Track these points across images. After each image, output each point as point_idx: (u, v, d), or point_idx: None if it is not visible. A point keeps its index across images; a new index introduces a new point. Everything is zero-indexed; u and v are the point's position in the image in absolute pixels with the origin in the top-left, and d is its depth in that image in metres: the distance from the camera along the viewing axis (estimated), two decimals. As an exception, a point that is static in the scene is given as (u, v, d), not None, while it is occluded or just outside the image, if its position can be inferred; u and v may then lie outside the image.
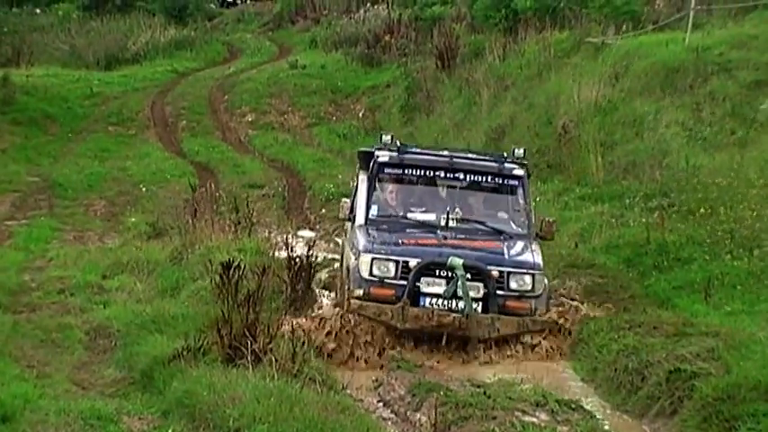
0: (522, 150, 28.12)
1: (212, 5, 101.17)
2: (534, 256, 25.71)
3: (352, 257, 25.37)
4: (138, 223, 43.31)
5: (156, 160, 59.09)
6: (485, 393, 23.95)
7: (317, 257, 33.93)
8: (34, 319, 29.31)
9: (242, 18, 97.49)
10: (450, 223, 26.07)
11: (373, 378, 26.23)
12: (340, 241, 32.28)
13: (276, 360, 23.69)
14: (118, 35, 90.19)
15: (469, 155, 29.51)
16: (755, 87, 42.84)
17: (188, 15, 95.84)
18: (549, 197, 43.01)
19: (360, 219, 26.45)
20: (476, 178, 27.10)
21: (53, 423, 20.02)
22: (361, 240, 25.22)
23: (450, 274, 23.70)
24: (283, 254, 33.53)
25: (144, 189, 51.06)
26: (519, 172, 27.18)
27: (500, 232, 26.71)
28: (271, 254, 34.62)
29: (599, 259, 35.66)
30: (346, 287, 25.24)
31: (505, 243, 26.49)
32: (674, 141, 39.42)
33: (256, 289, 25.02)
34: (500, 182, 27.27)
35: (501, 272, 24.28)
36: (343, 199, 28.66)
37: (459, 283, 23.25)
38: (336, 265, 37.24)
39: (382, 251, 24.39)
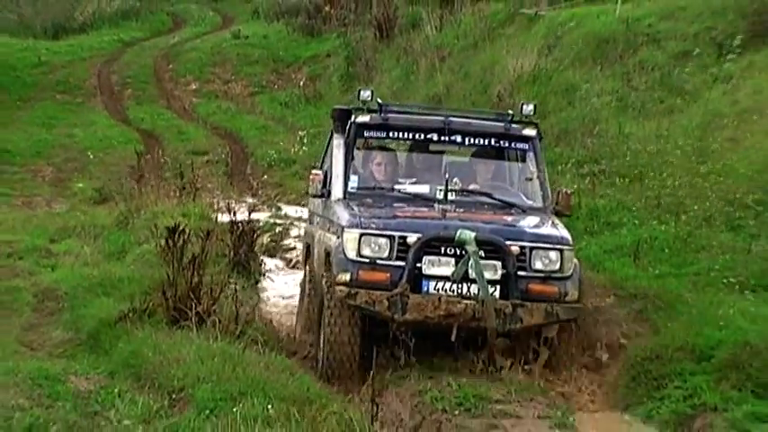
0: (531, 106, 22.81)
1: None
2: (560, 229, 20.82)
3: (333, 237, 20.77)
4: (85, 189, 43.63)
5: (102, 128, 59.13)
6: None
7: (258, 222, 34.58)
8: (-11, 276, 28.84)
9: None
10: (450, 196, 21.09)
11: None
12: (304, 225, 28.17)
13: (219, 321, 23.83)
14: (66, 5, 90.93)
15: (468, 114, 24.87)
16: (683, 57, 42.42)
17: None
18: None
19: (337, 192, 21.59)
20: (477, 141, 22.42)
21: (1, 383, 19.43)
22: (344, 215, 20.53)
23: (459, 252, 19.05)
24: (226, 218, 32.86)
25: (91, 156, 51.13)
26: (530, 132, 22.49)
27: (510, 205, 21.84)
28: (214, 219, 34.20)
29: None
30: (326, 271, 20.70)
31: (521, 216, 21.65)
32: (605, 110, 38.81)
33: (200, 252, 25.19)
34: (507, 145, 22.82)
35: (522, 248, 19.44)
36: (314, 171, 23.18)
37: (472, 261, 18.63)
38: (278, 229, 38.05)
39: (372, 225, 19.71)
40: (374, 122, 21.92)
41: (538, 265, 19.22)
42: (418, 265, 18.87)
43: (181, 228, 25.37)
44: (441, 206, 20.72)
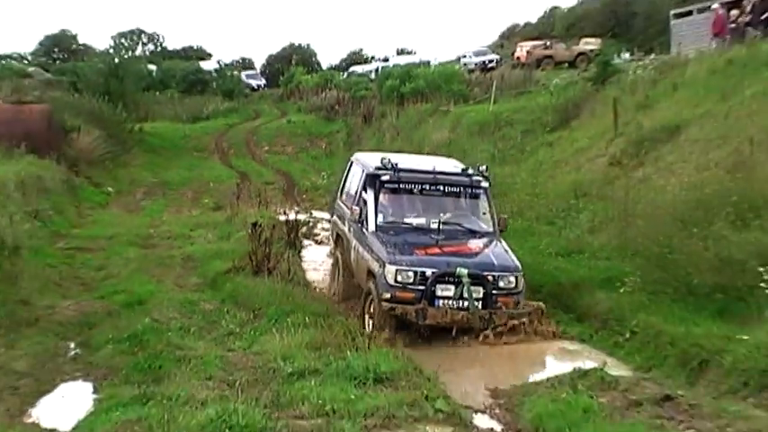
0: (484, 166, 26.34)
1: (247, 90, 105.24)
2: (513, 259, 23.35)
3: (375, 264, 22.75)
4: (209, 203, 45.96)
5: (217, 170, 61.73)
6: None
7: (304, 222, 38.18)
8: (155, 252, 32.99)
9: (262, 96, 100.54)
10: (434, 226, 23.70)
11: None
12: (334, 218, 28.54)
13: (279, 273, 27.45)
14: (199, 105, 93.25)
15: (447, 172, 26.34)
16: (525, 132, 51.26)
17: (235, 95, 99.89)
18: None
19: (371, 226, 23.92)
20: (452, 189, 25.12)
21: (165, 305, 24.00)
22: (382, 251, 22.70)
23: (457, 281, 21.64)
24: (283, 218, 36.48)
25: (211, 185, 53.70)
26: (484, 184, 25.42)
27: (474, 231, 24.51)
28: (276, 218, 36.39)
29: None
30: (375, 290, 22.40)
31: (486, 246, 24.20)
32: (484, 160, 36.58)
33: (269, 236, 28.83)
34: (470, 191, 25.29)
35: (494, 276, 22.13)
36: (354, 206, 25.24)
37: (465, 287, 21.51)
38: (310, 223, 40.37)
39: (403, 263, 21.93)
40: (392, 179, 24.55)
41: (502, 285, 22.14)
42: (432, 289, 21.59)
43: (258, 223, 29.58)
44: (434, 237, 23.38)
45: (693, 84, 42.11)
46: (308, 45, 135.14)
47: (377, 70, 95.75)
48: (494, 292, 21.99)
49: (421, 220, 24.18)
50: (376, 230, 23.85)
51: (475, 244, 24.05)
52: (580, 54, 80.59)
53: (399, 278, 21.73)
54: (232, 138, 76.39)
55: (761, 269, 18.85)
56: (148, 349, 19.73)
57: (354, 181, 27.25)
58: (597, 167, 38.78)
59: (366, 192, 25.10)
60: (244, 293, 25.52)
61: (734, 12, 50.91)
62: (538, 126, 48.99)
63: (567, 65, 78.27)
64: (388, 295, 21.66)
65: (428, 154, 48.93)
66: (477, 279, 21.89)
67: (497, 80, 68.69)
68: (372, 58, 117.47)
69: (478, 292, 21.82)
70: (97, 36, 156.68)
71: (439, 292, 21.76)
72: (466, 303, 21.64)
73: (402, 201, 25.00)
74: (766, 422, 12.55)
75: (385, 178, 24.64)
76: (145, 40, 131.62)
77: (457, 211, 24.96)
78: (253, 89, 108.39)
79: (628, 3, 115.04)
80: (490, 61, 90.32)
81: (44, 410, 16.25)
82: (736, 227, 19.86)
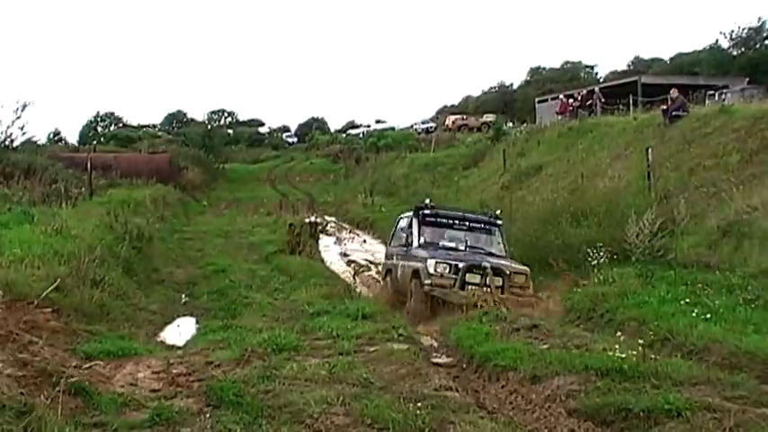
0: (499, 211, 23.18)
1: (286, 144, 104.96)
2: (522, 265, 20.56)
3: (418, 264, 20.09)
4: (263, 211, 44.06)
5: (269, 192, 60.65)
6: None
7: (320, 223, 36.92)
8: (231, 241, 32.69)
9: (295, 149, 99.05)
10: (462, 248, 21.03)
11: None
12: (384, 261, 24.25)
13: (305, 254, 27.75)
14: (257, 153, 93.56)
15: (473, 213, 23.95)
16: (453, 168, 48.80)
17: (278, 147, 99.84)
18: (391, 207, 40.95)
19: (415, 244, 21.17)
20: (475, 225, 22.17)
21: (237, 272, 24.23)
22: (423, 253, 20.26)
23: (482, 272, 19.10)
24: (308, 220, 35.45)
25: (265, 200, 51.65)
26: (498, 222, 22.33)
27: (492, 254, 21.15)
28: (304, 220, 34.99)
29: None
30: (418, 280, 19.76)
31: (504, 258, 21.24)
32: (428, 187, 40.65)
33: (300, 231, 29.46)
34: (488, 228, 22.23)
35: (510, 272, 19.47)
36: (401, 234, 22.81)
37: (489, 277, 18.93)
38: (324, 224, 38.59)
39: (440, 257, 19.73)
40: (431, 213, 21.88)
41: (516, 280, 19.42)
42: (464, 278, 19.02)
43: (292, 223, 30.63)
44: (463, 253, 20.55)
45: (549, 141, 42.23)
46: (322, 117, 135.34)
47: (363, 132, 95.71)
48: (509, 284, 19.31)
49: (453, 244, 21.28)
50: (419, 246, 21.15)
51: (493, 259, 20.58)
52: (484, 123, 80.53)
53: (438, 269, 19.37)
54: (277, 173, 75.48)
55: (588, 250, 18.64)
56: (228, 298, 20.22)
57: (400, 231, 23.44)
58: (493, 190, 38.82)
59: (412, 223, 22.11)
60: (284, 265, 25.58)
61: (571, 100, 51.21)
62: (459, 165, 48.50)
63: (476, 130, 78.17)
64: (428, 282, 19.23)
65: (393, 183, 49.78)
66: (497, 271, 19.38)
67: (435, 138, 69.00)
68: (360, 125, 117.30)
69: (498, 281, 19.24)
70: (198, 112, 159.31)
71: (468, 279, 19.24)
72: (489, 289, 18.84)
73: (438, 230, 21.98)
74: (589, 339, 12.29)
75: (426, 212, 22.06)
76: (226, 114, 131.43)
77: (478, 241, 21.85)
78: (289, 144, 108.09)
79: (511, 93, 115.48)
80: (430, 127, 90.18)
81: (168, 334, 16.43)
82: (573, 225, 19.94)
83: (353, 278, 25.16)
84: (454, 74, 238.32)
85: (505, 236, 22.46)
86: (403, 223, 23.48)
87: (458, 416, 8.90)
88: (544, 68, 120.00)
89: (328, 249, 31.75)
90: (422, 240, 21.41)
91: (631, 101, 45.90)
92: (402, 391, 9.92)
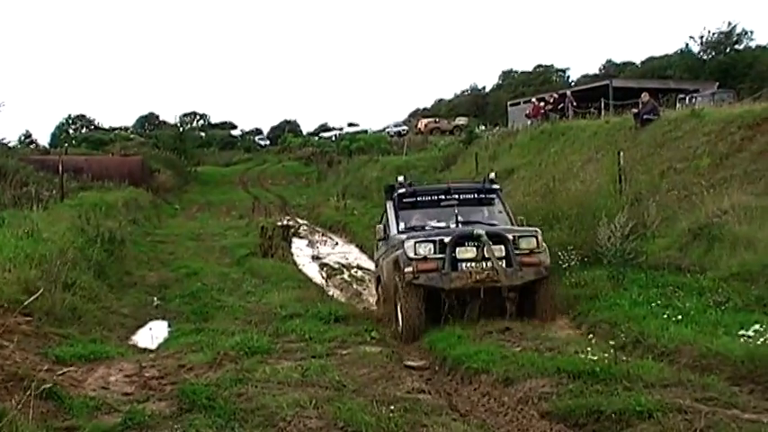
0: (493, 174, 19.74)
1: (258, 147, 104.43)
2: (532, 228, 16.97)
3: (398, 252, 16.20)
4: (236, 214, 44.75)
5: (240, 194, 60.17)
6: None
7: (292, 226, 36.76)
8: (204, 244, 32.42)
9: (268, 151, 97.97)
10: (453, 226, 17.04)
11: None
12: (374, 268, 21.75)
13: (278, 256, 27.71)
14: (229, 156, 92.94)
15: (460, 182, 21.35)
16: (428, 170, 46.84)
17: (251, 150, 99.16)
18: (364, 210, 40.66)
19: (393, 232, 17.57)
20: (466, 197, 18.37)
21: (209, 275, 23.98)
22: (402, 236, 16.45)
23: (477, 243, 15.36)
24: (280, 223, 35.45)
25: (237, 203, 52.39)
26: (495, 186, 18.66)
27: (493, 225, 17.30)
28: (276, 223, 34.90)
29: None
30: (399, 272, 15.85)
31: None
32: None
33: (272, 234, 29.29)
34: (483, 197, 18.57)
35: (513, 236, 15.77)
36: (378, 225, 19.01)
37: (486, 246, 15.19)
38: (296, 227, 38.22)
39: (421, 236, 15.98)
40: (407, 193, 18.14)
41: (524, 245, 15.52)
42: (453, 254, 15.12)
43: (265, 226, 30.39)
44: (454, 229, 16.39)
45: (521, 145, 42.05)
46: (295, 119, 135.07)
47: (336, 135, 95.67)
48: (516, 252, 15.49)
49: (441, 224, 17.43)
50: (398, 232, 17.31)
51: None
52: (456, 126, 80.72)
53: (420, 250, 15.45)
54: (249, 175, 75.04)
55: (559, 253, 18.37)
56: (200, 301, 20.11)
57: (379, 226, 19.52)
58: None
59: (387, 208, 18.60)
60: (256, 268, 25.50)
61: (543, 103, 51.29)
62: (431, 168, 47.83)
63: (448, 133, 78.30)
64: (409, 269, 15.31)
65: (366, 186, 48.72)
66: (497, 238, 15.57)
67: (407, 141, 69.04)
68: (333, 128, 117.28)
69: (500, 250, 15.44)
70: (170, 115, 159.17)
71: (460, 255, 15.38)
72: (489, 263, 15.22)
73: (420, 212, 18.33)
74: (564, 341, 12.31)
75: (401, 191, 18.31)
76: (198, 117, 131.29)
77: (474, 214, 17.98)
78: (262, 146, 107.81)
79: (484, 96, 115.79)
80: (403, 130, 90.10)
81: (140, 337, 16.49)
82: (545, 228, 19.84)
83: (326, 281, 24.96)
84: (427, 77, 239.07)
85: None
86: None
87: (430, 418, 8.92)
88: (516, 72, 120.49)
89: (301, 252, 31.47)
90: (401, 226, 17.72)
91: (603, 104, 46.26)
92: (375, 394, 9.98)
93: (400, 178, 18.95)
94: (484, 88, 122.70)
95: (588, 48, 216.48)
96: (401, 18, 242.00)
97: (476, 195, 18.63)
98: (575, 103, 49.11)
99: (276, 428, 8.72)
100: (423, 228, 17.40)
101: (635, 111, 32.72)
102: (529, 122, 50.67)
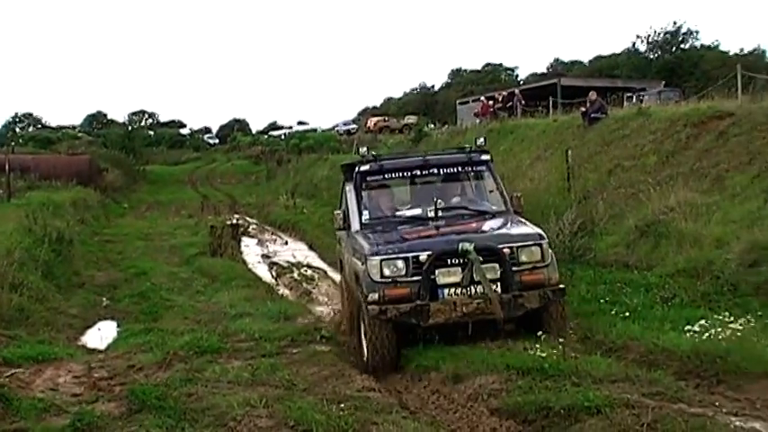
0: (482, 139, 15.37)
1: (207, 146, 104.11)
2: (533, 227, 13.28)
3: (359, 263, 13.03)
4: (185, 213, 44.54)
5: (189, 193, 60.45)
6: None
7: (241, 225, 36.81)
8: (153, 243, 32.21)
9: (217, 150, 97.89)
10: (431, 214, 13.67)
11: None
12: (338, 250, 17.26)
13: (227, 255, 27.72)
14: (178, 154, 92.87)
15: (439, 153, 16.65)
16: None
17: (200, 149, 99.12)
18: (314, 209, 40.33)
19: (355, 225, 14.03)
20: (449, 170, 14.66)
21: (159, 274, 24.05)
22: (365, 245, 12.97)
23: (463, 261, 12.00)
24: (230, 222, 35.07)
25: (186, 202, 52.60)
26: (486, 157, 14.84)
27: (483, 212, 14.08)
28: (226, 222, 34.75)
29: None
30: (359, 293, 12.75)
31: (500, 223, 13.70)
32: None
33: (221, 233, 29.34)
34: (470, 169, 14.78)
35: (511, 248, 12.28)
36: (336, 211, 15.12)
37: (475, 267, 11.86)
38: (245, 225, 38.35)
39: (390, 251, 12.39)
40: (373, 169, 14.36)
41: (524, 258, 12.15)
42: (432, 277, 11.82)
43: (214, 225, 30.46)
44: (433, 223, 13.36)
45: (469, 143, 41.70)
46: (244, 118, 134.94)
47: (285, 134, 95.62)
48: (514, 269, 12.12)
49: (416, 211, 14.07)
50: (361, 228, 13.89)
51: (484, 223, 13.70)
52: (405, 125, 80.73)
53: (387, 271, 12.08)
54: (198, 174, 74.88)
55: None
56: (149, 301, 20.06)
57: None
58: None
59: (346, 188, 15.09)
60: (206, 268, 25.40)
61: (491, 101, 51.48)
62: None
63: (398, 131, 78.37)
64: (375, 296, 12.00)
65: (315, 185, 48.15)
66: (489, 254, 12.07)
67: (356, 140, 69.01)
68: (282, 126, 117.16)
69: (494, 271, 12.06)
70: (118, 113, 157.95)
71: (442, 280, 12.01)
72: (480, 288, 11.92)
73: (389, 194, 14.99)
74: (513, 338, 12.28)
75: (364, 168, 14.60)
76: (147, 116, 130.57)
77: (459, 194, 14.84)
78: (211, 145, 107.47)
79: (433, 94, 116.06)
80: (352, 129, 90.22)
81: (89, 338, 16.40)
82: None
83: (276, 280, 24.74)
84: (376, 75, 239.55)
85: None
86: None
87: (380, 416, 8.91)
88: (465, 70, 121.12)
89: (250, 251, 31.33)
90: (366, 216, 14.05)
91: (551, 103, 46.38)
92: (325, 393, 9.97)
93: (362, 150, 15.12)
94: (433, 87, 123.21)
95: (537, 47, 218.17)
96: (351, 17, 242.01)
97: (460, 169, 14.87)
98: (523, 102, 49.28)
99: (226, 428, 8.70)
100: (393, 217, 13.97)
101: (583, 109, 32.86)
102: (478, 121, 50.92)
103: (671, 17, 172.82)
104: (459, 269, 11.92)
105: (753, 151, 21.33)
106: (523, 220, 13.75)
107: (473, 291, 11.90)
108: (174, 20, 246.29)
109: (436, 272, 11.92)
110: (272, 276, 25.60)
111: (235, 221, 37.06)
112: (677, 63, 76.79)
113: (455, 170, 14.80)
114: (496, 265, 12.01)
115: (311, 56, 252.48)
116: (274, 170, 67.99)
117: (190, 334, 13.81)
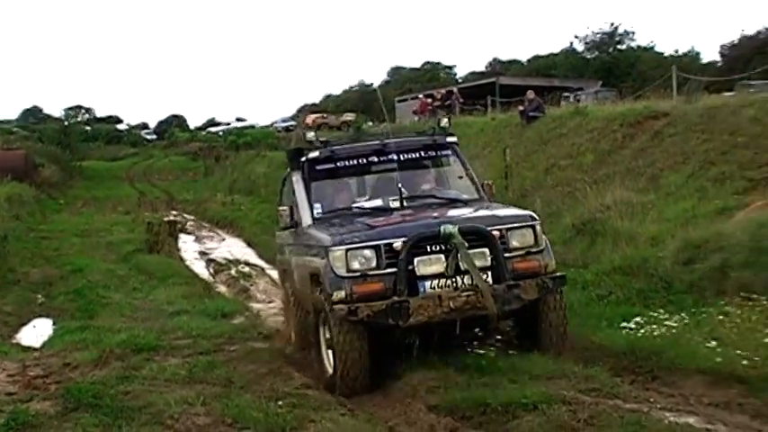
0: (446, 120, 13.44)
1: (145, 141, 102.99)
2: (520, 209, 11.75)
3: (316, 259, 10.94)
4: (122, 209, 44.38)
5: (126, 189, 60.00)
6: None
7: (179, 222, 36.68)
8: (89, 240, 31.72)
9: (154, 146, 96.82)
10: (396, 204, 11.73)
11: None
12: (278, 256, 15.20)
13: (164, 251, 27.74)
14: (115, 150, 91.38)
15: (399, 135, 13.83)
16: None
17: (137, 145, 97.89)
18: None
19: (306, 220, 12.03)
20: (411, 155, 12.52)
21: (95, 271, 23.78)
22: (323, 236, 10.95)
23: (446, 247, 10.13)
24: (167, 219, 34.90)
25: (123, 199, 51.85)
26: (452, 139, 12.96)
27: (454, 200, 12.18)
28: (163, 219, 34.29)
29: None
30: (320, 294, 10.66)
31: (477, 209, 11.66)
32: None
33: (159, 230, 29.07)
34: (434, 154, 12.90)
35: (500, 230, 10.48)
36: (280, 207, 13.11)
37: (461, 253, 10.02)
38: (182, 222, 38.36)
39: (356, 239, 10.42)
40: (323, 156, 12.23)
41: (515, 243, 10.49)
42: (411, 267, 10.02)
43: (151, 222, 30.06)
44: (399, 213, 11.38)
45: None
46: (182, 114, 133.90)
47: (224, 130, 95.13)
48: (506, 255, 10.35)
49: (377, 202, 12.04)
50: (314, 223, 11.81)
51: (458, 210, 11.54)
52: (344, 122, 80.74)
53: (354, 263, 10.17)
54: (136, 170, 74.16)
55: None
56: (85, 298, 19.85)
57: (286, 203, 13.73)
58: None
59: (293, 178, 12.72)
60: (143, 265, 25.27)
61: (430, 99, 51.70)
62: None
63: (336, 128, 78.31)
64: (341, 294, 10.08)
65: (253, 182, 47.76)
66: (476, 237, 10.21)
67: (295, 137, 68.86)
68: (221, 123, 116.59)
69: (483, 257, 10.21)
70: (54, 108, 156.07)
71: (422, 270, 10.13)
72: (467, 279, 10.10)
73: (343, 184, 12.80)
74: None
75: (313, 155, 12.41)
76: (84, 111, 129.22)
77: (424, 182, 12.81)
78: (148, 141, 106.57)
79: (372, 92, 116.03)
80: (291, 126, 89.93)
81: (24, 335, 16.31)
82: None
83: (213, 277, 24.68)
84: (315, 73, 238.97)
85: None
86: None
87: (318, 413, 8.91)
88: (404, 68, 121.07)
89: (188, 248, 31.23)
90: (317, 210, 12.06)
91: (489, 101, 46.70)
92: (263, 390, 9.96)
93: (310, 135, 12.70)
94: (372, 84, 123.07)
95: (475, 46, 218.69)
96: (291, 13, 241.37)
97: (423, 153, 12.88)
98: (461, 100, 49.62)
99: (163, 426, 8.63)
100: (349, 211, 11.99)
101: (521, 108, 33.17)
102: (416, 118, 51.07)
103: (608, 18, 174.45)
104: (443, 257, 10.11)
105: (687, 151, 21.72)
106: (510, 205, 12.48)
107: (460, 282, 10.10)
108: (113, 14, 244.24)
109: (415, 261, 10.07)
110: (210, 273, 25.47)
111: (172, 218, 36.90)
112: (614, 63, 77.53)
113: (418, 155, 12.78)
114: (486, 251, 10.22)
115: (250, 52, 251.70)
116: (212, 167, 67.63)
117: (126, 331, 13.74)
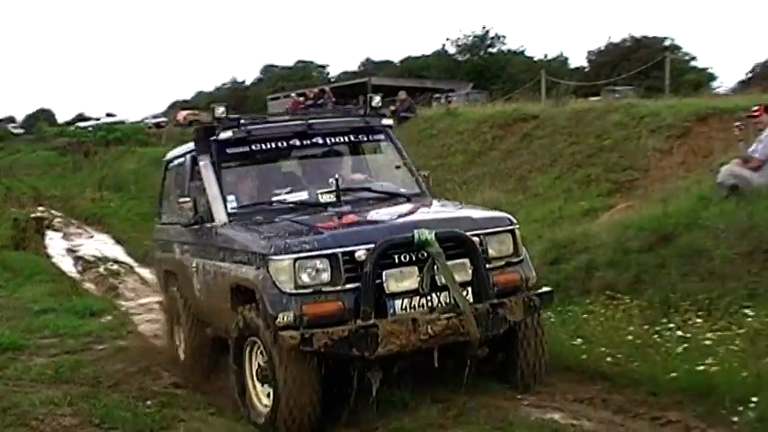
0: (378, 98, 10.73)
1: (12, 136, 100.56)
2: (493, 210, 9.43)
3: (245, 268, 8.24)
4: None
5: None
6: None
7: (46, 218, 34.95)
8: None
9: (21, 140, 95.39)
10: (328, 198, 9.42)
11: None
12: (158, 254, 12.68)
13: (30, 248, 26.82)
14: None
15: (325, 116, 11.72)
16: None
17: (2, 139, 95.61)
18: None
19: (219, 216, 9.27)
20: (338, 139, 10.35)
21: None
22: (254, 239, 8.36)
23: (418, 257, 7.85)
24: (34, 215, 32.91)
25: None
26: (386, 122, 10.76)
27: (395, 195, 10.01)
28: (30, 215, 32.50)
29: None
30: (261, 319, 7.85)
31: (421, 205, 9.65)
32: (156, 182, 38.73)
33: (25, 226, 28.24)
34: (365, 138, 10.65)
35: (479, 236, 8.21)
36: (182, 199, 10.00)
37: (439, 265, 7.75)
38: (50, 218, 36.25)
39: (306, 246, 7.73)
40: (237, 137, 9.78)
41: (493, 251, 8.43)
42: (378, 281, 7.76)
43: (17, 218, 29.23)
44: (334, 209, 9.15)
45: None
46: (50, 108, 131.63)
47: (93, 125, 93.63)
48: (488, 268, 8.31)
49: (301, 195, 9.76)
50: (229, 220, 9.29)
51: (406, 208, 9.51)
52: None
53: (304, 277, 7.74)
54: (1, 165, 71.45)
55: None
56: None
57: (174, 191, 12.03)
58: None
59: (200, 163, 10.06)
60: (8, 262, 24.17)
61: (302, 98, 51.73)
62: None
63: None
64: (289, 316, 7.61)
65: (123, 178, 46.16)
66: (455, 245, 8.11)
67: (165, 133, 68.24)
68: (90, 118, 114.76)
69: (464, 269, 8.13)
70: None
71: (392, 287, 7.87)
72: (445, 296, 7.99)
73: (261, 172, 10.28)
74: None
75: (225, 136, 9.85)
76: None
77: (355, 171, 10.75)
78: (15, 135, 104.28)
79: (244, 89, 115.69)
80: (162, 122, 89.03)
81: None
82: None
83: (81, 275, 23.96)
84: (187, 69, 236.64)
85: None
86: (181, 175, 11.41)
87: (188, 413, 8.88)
88: (277, 66, 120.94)
89: (55, 245, 30.22)
90: (231, 205, 9.58)
91: (361, 101, 46.83)
92: (131, 390, 9.88)
93: (220, 110, 10.00)
94: (244, 82, 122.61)
95: (348, 46, 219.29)
96: (162, 8, 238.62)
97: (353, 137, 10.68)
98: (334, 99, 49.57)
99: (28, 428, 8.49)
100: (270, 204, 9.72)
101: (392, 108, 33.30)
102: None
103: (480, 22, 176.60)
104: (416, 269, 8.01)
105: (555, 153, 22.21)
106: (470, 205, 11.04)
107: (436, 300, 8.03)
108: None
109: (383, 275, 7.89)
110: (78, 271, 24.84)
111: (39, 214, 35.65)
112: (485, 66, 78.76)
113: (347, 139, 10.61)
114: (466, 262, 8.19)
115: (121, 47, 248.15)
116: (81, 162, 65.43)
117: (-13, 331, 13.39)
